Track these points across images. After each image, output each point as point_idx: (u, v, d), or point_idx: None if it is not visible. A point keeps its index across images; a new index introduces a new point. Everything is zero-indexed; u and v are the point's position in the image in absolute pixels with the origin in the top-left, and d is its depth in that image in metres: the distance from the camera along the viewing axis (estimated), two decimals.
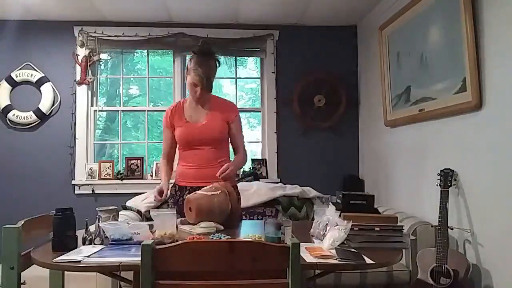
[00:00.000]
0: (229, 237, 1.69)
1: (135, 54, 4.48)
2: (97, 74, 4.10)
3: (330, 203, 2.00)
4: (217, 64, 2.24)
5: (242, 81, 4.57)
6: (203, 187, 2.08)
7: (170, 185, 2.32)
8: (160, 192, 2.18)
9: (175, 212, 1.74)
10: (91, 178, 3.90)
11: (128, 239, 1.62)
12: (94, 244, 1.62)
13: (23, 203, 3.74)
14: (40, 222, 1.75)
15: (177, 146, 2.34)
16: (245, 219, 2.99)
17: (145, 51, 4.17)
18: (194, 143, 2.23)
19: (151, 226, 1.76)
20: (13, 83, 3.85)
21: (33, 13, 3.76)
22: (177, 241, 1.47)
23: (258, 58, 4.24)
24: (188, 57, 4.21)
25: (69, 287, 2.02)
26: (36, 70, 3.87)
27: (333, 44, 4.14)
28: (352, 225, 1.63)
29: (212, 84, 2.21)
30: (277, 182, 3.83)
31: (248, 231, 1.86)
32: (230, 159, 2.35)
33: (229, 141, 2.34)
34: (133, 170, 3.95)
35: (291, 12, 3.81)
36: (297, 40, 4.12)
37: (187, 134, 2.24)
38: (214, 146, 2.23)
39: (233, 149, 2.36)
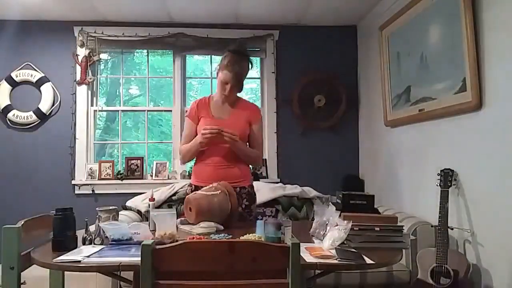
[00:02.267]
0: (229, 237, 1.70)
1: (135, 54, 4.48)
2: (97, 74, 4.09)
3: (330, 203, 2.00)
4: (250, 66, 2.27)
5: None
6: None
7: (186, 185, 2.33)
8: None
9: (175, 212, 1.74)
10: (91, 178, 3.90)
11: (128, 239, 1.62)
12: (94, 244, 1.62)
13: (23, 203, 3.74)
14: (40, 222, 1.75)
15: None
16: None
17: (145, 51, 4.17)
18: (216, 139, 2.15)
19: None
20: (13, 83, 3.85)
21: (33, 13, 3.76)
22: (177, 241, 1.47)
23: (258, 58, 4.24)
24: (188, 57, 4.23)
25: (69, 287, 2.02)
26: (36, 70, 3.87)
27: (333, 44, 4.14)
28: (352, 225, 1.63)
29: (243, 84, 2.26)
30: (277, 182, 3.83)
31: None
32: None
33: (247, 142, 2.33)
34: (133, 170, 3.95)
35: (291, 12, 3.81)
36: (297, 40, 4.12)
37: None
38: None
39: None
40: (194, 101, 2.38)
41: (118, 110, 4.19)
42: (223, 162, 2.22)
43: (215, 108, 2.31)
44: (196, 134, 2.27)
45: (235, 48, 2.24)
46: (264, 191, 3.28)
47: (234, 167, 2.23)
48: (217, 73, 2.25)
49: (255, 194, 2.34)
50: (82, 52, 3.92)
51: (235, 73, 2.17)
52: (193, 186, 2.29)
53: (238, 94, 2.36)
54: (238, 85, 2.22)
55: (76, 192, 3.89)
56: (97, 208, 1.85)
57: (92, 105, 4.04)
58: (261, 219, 1.74)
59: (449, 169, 2.37)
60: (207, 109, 2.30)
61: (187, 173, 3.93)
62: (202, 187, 2.15)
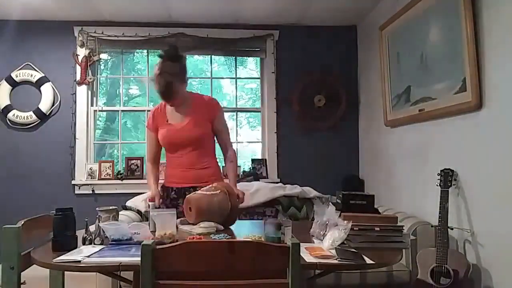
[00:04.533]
0: (229, 237, 1.70)
1: (135, 54, 4.48)
2: (97, 74, 4.10)
3: (330, 203, 2.00)
4: (178, 63, 2.13)
5: (242, 81, 4.56)
6: (189, 187, 2.17)
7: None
8: (152, 200, 2.19)
9: (175, 212, 1.74)
10: (91, 178, 3.90)
11: (128, 239, 1.62)
12: (94, 244, 1.62)
13: (23, 203, 3.74)
14: (40, 222, 1.75)
15: (163, 149, 2.33)
16: (245, 219, 2.99)
17: (145, 51, 4.18)
18: (176, 146, 2.23)
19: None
20: (13, 83, 3.85)
21: (33, 13, 3.76)
22: (177, 241, 1.47)
23: (258, 58, 4.24)
24: (188, 57, 4.22)
25: (69, 287, 2.02)
26: (36, 70, 3.87)
27: (333, 44, 4.14)
28: (352, 225, 1.63)
29: (175, 89, 2.10)
30: (277, 182, 3.83)
31: (248, 231, 1.86)
32: (218, 158, 2.36)
33: (216, 139, 2.34)
34: (133, 170, 3.96)
35: (291, 12, 3.81)
36: (297, 40, 4.12)
37: (168, 137, 2.24)
38: (196, 148, 2.22)
39: (221, 147, 2.35)
40: (152, 109, 2.35)
41: (118, 110, 4.19)
42: (192, 165, 2.23)
43: (171, 113, 2.25)
44: (158, 144, 2.30)
45: (164, 53, 2.12)
46: (264, 191, 3.28)
47: (203, 168, 2.24)
48: None
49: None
50: (82, 52, 3.92)
51: (162, 84, 2.07)
52: (164, 188, 2.32)
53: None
54: (168, 95, 2.10)
55: (76, 192, 3.89)
56: (97, 208, 1.85)
57: (92, 105, 4.04)
58: (261, 219, 1.74)
59: (449, 169, 2.37)
60: (163, 117, 2.27)
61: None
62: (172, 188, 2.27)
